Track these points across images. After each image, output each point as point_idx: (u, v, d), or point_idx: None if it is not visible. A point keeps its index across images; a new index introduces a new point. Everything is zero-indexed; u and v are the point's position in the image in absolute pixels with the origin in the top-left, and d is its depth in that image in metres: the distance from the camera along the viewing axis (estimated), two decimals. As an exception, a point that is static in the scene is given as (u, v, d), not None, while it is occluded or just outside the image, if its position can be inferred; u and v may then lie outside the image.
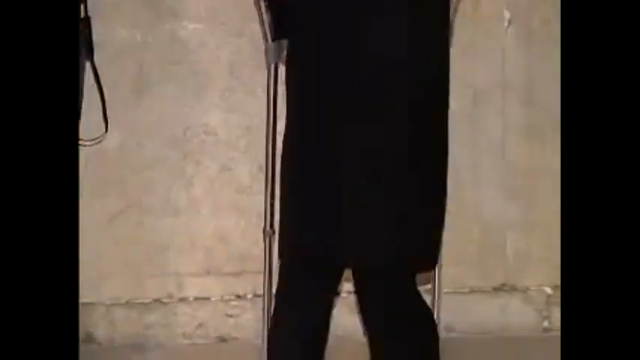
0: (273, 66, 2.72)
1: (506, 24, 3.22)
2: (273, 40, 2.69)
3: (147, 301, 3.21)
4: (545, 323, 3.30)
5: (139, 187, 3.20)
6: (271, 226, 2.71)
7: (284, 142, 2.54)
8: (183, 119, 3.20)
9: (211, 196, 3.22)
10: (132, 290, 3.19)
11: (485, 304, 3.27)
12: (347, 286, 2.85)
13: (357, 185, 2.40)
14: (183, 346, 3.22)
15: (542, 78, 3.20)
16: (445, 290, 2.83)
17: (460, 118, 3.08)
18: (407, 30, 2.43)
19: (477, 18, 3.20)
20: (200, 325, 3.22)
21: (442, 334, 2.60)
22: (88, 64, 2.79)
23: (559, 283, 3.15)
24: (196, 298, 3.23)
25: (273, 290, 2.57)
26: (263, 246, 2.71)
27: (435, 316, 2.63)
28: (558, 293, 3.21)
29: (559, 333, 2.17)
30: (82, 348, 2.68)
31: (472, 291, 3.27)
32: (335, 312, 2.59)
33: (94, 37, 2.78)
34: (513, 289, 3.28)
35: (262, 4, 2.69)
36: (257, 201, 2.88)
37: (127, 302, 3.20)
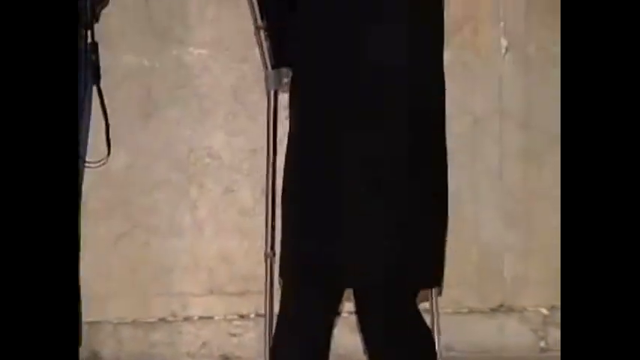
0: (272, 92, 2.75)
1: (503, 51, 3.23)
2: (273, 68, 2.71)
3: (152, 320, 3.21)
4: (542, 343, 3.29)
5: (145, 208, 3.21)
6: (272, 248, 2.73)
7: (287, 151, 2.52)
8: (188, 142, 3.22)
9: (215, 218, 3.24)
10: (137, 309, 3.20)
11: (484, 325, 3.27)
12: (348, 306, 2.88)
13: (357, 193, 2.39)
14: (188, 364, 3.26)
15: (539, 104, 3.22)
16: (444, 310, 2.89)
17: (459, 143, 3.08)
18: (407, 38, 2.43)
19: (475, 46, 3.21)
20: (204, 344, 3.23)
21: (442, 353, 2.63)
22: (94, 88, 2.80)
23: (555, 304, 3.20)
24: (200, 318, 3.23)
25: (275, 310, 2.56)
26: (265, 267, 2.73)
27: (435, 336, 2.61)
28: (554, 314, 3.23)
29: (555, 353, 2.19)
30: (89, 365, 2.74)
31: (471, 311, 3.27)
32: (336, 331, 2.59)
33: (103, 63, 2.79)
34: (511, 310, 3.28)
35: (262, 33, 2.72)
36: (260, 223, 2.88)
37: (132, 321, 3.21)
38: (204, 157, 3.23)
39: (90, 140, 2.83)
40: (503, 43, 3.23)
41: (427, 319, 2.52)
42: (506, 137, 3.24)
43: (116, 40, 2.90)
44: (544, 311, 3.29)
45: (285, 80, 2.66)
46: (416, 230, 2.44)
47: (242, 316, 3.24)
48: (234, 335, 3.24)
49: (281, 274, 2.52)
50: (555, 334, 3.22)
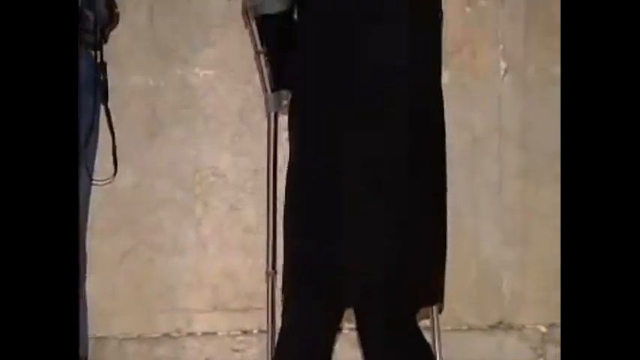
0: (272, 115, 2.77)
1: (502, 73, 3.24)
2: (272, 91, 2.73)
3: (157, 335, 3.22)
4: (540, 360, 3.30)
5: (151, 226, 3.22)
6: (273, 266, 2.75)
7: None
8: (193, 161, 3.23)
9: (219, 236, 3.25)
10: (142, 325, 3.20)
11: (483, 342, 3.28)
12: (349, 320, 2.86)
13: (357, 193, 2.38)
14: (192, 379, 3.25)
15: (537, 124, 3.23)
16: (444, 327, 2.85)
17: (459, 162, 3.10)
18: (407, 38, 2.43)
19: (474, 67, 3.23)
20: (207, 359, 3.23)
21: (442, 369, 2.63)
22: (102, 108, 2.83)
23: (554, 321, 3.22)
24: (204, 333, 3.24)
25: (277, 326, 2.58)
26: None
27: (437, 354, 2.64)
28: (553, 331, 3.24)
29: (554, 370, 2.22)
30: (95, 380, 2.76)
31: (470, 329, 3.28)
32: (337, 347, 2.61)
33: (111, 82, 2.83)
34: (509, 327, 3.28)
35: (262, 58, 2.74)
36: (263, 240, 2.89)
37: (137, 337, 3.21)
38: (209, 176, 3.24)
39: (97, 158, 2.85)
40: (502, 65, 3.24)
41: (427, 336, 2.53)
42: (505, 156, 3.25)
43: (123, 60, 2.92)
44: (542, 329, 3.29)
45: (285, 102, 2.68)
46: (416, 230, 2.43)
47: (245, 332, 3.25)
48: (237, 351, 3.25)
49: (283, 290, 2.52)
50: (554, 352, 3.24)
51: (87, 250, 2.86)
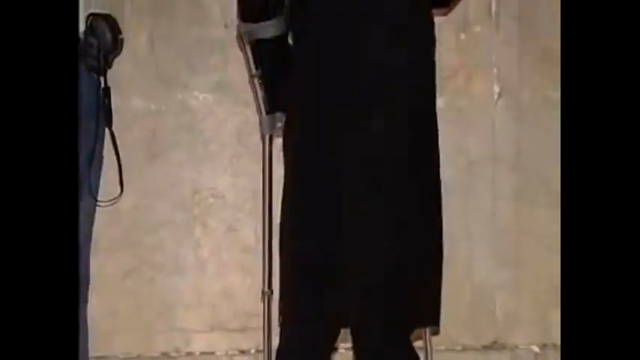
0: (267, 137, 2.78)
1: (496, 97, 3.25)
2: (267, 113, 2.73)
3: (156, 355, 3.23)
4: (534, 381, 3.28)
5: (151, 246, 3.23)
6: (269, 286, 2.75)
7: (286, 152, 2.56)
8: (192, 183, 3.25)
9: (218, 256, 3.26)
10: (142, 344, 3.21)
11: None
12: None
13: (357, 193, 2.39)
14: (190, 398, 3.25)
15: (530, 148, 3.23)
16: (438, 348, 2.90)
17: (454, 185, 3.11)
18: (407, 38, 2.46)
19: (469, 92, 3.24)
20: None
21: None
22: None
23: (546, 342, 3.23)
24: (202, 353, 3.25)
25: (274, 345, 2.59)
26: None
27: None
28: (546, 352, 3.25)
29: (547, 390, 2.22)
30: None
31: (464, 349, 3.28)
32: None
33: (112, 106, 2.78)
34: (503, 347, 3.28)
35: (256, 81, 2.74)
36: (261, 261, 2.87)
37: (137, 356, 3.22)
38: (209, 198, 3.26)
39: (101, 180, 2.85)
40: (496, 89, 3.25)
41: (421, 355, 2.54)
42: (499, 179, 3.25)
43: (125, 84, 2.94)
44: (536, 349, 3.30)
45: (279, 125, 2.69)
46: (416, 231, 2.45)
47: (243, 352, 3.25)
48: (235, 370, 3.26)
49: (280, 313, 2.53)
50: (547, 372, 3.25)
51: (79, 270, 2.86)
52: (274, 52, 2.67)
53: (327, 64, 2.47)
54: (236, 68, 3.22)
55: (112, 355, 3.21)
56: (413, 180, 2.46)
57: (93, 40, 2.65)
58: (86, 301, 2.75)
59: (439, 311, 2.54)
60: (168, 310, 3.24)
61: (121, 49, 2.78)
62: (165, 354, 3.24)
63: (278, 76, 2.68)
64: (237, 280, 3.26)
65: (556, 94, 3.16)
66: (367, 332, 2.46)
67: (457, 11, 3.05)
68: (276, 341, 2.56)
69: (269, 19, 2.61)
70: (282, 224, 2.56)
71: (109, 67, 2.74)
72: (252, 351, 3.25)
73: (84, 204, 2.66)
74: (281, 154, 2.70)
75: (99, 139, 2.74)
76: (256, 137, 3.20)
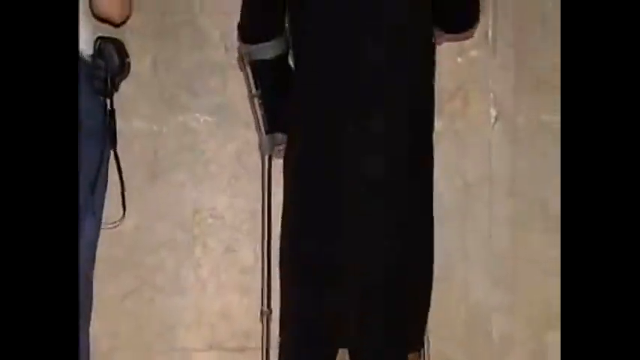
0: (267, 157, 2.81)
1: (492, 120, 3.26)
2: (267, 133, 2.77)
3: None
4: (529, 402, 3.28)
5: (151, 267, 3.25)
6: (268, 306, 2.78)
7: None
8: (193, 203, 3.27)
9: (217, 276, 3.27)
10: None
11: None
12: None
13: (357, 193, 2.40)
14: (189, 417, 3.26)
15: (526, 171, 3.24)
16: None
17: (451, 207, 3.17)
18: (407, 38, 2.46)
19: (466, 115, 3.24)
20: None
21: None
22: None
23: (541, 363, 3.23)
24: None
25: None
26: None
27: None
28: None
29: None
30: (95, 418, 2.77)
31: None
32: None
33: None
34: None
35: (256, 101, 2.79)
36: (259, 281, 2.92)
37: None
38: (208, 218, 3.28)
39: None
40: (493, 113, 3.27)
41: None
42: (495, 202, 3.26)
43: (128, 106, 2.96)
44: (530, 370, 3.30)
45: (279, 147, 2.72)
46: (416, 230, 2.46)
47: (241, 371, 3.25)
48: (233, 390, 3.26)
49: (280, 334, 2.54)
50: (542, 393, 3.25)
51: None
52: (274, 71, 2.70)
53: (327, 64, 2.48)
54: (236, 91, 3.24)
55: (112, 374, 3.22)
56: (413, 180, 2.46)
57: (101, 63, 2.68)
58: (88, 322, 2.76)
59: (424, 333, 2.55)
60: (168, 330, 3.25)
61: (128, 72, 2.80)
62: (165, 373, 3.26)
63: (278, 96, 2.70)
64: (235, 300, 3.27)
65: (551, 119, 3.20)
66: (367, 332, 2.46)
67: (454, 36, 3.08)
68: (274, 360, 2.55)
69: (268, 40, 2.64)
70: (282, 226, 2.57)
71: (116, 89, 2.76)
72: (251, 371, 3.25)
73: (88, 225, 2.68)
74: (280, 175, 2.71)
75: (104, 161, 2.76)
76: (255, 158, 3.21)
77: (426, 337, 2.74)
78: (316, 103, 2.50)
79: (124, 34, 2.93)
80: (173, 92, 3.26)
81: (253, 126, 3.18)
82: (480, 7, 2.64)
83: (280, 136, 2.73)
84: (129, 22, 2.81)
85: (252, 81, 2.80)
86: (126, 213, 2.96)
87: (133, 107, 3.13)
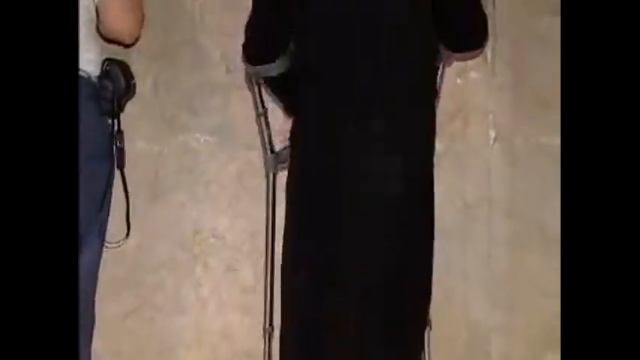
0: (271, 175, 2.83)
1: (491, 142, 3.26)
2: (272, 152, 2.81)
3: None
4: (528, 422, 3.27)
5: (152, 286, 3.25)
6: (270, 324, 2.79)
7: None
8: (193, 223, 3.28)
9: (218, 296, 3.27)
10: None
11: None
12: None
13: (356, 193, 2.40)
14: None
15: (525, 193, 3.24)
16: None
17: (450, 228, 3.17)
18: (407, 38, 2.45)
19: (465, 136, 3.25)
20: None
21: None
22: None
23: (539, 383, 3.23)
24: None
25: None
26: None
27: None
28: None
29: None
30: None
31: None
32: None
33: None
34: None
35: (263, 120, 2.81)
36: (260, 300, 2.95)
37: None
38: (209, 238, 3.29)
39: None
40: (492, 134, 3.27)
41: None
42: (494, 223, 3.27)
43: (130, 127, 2.96)
44: (529, 389, 3.29)
45: (284, 165, 2.73)
46: (416, 231, 2.46)
47: (242, 391, 3.25)
48: (234, 409, 3.26)
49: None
50: (541, 413, 3.25)
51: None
52: (281, 88, 2.72)
53: (327, 64, 2.48)
54: (237, 112, 3.26)
55: (114, 394, 3.22)
56: (413, 180, 2.47)
57: (108, 84, 2.72)
58: (90, 341, 2.78)
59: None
60: (169, 349, 3.25)
61: (134, 94, 2.84)
62: (166, 393, 3.26)
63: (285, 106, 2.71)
64: (236, 319, 3.27)
65: (549, 140, 3.20)
66: (367, 332, 2.45)
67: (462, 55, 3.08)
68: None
69: (273, 61, 2.65)
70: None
71: (122, 110, 2.80)
72: (252, 390, 3.26)
73: (92, 244, 2.70)
74: (283, 194, 2.71)
75: (111, 181, 2.79)
76: (256, 179, 3.24)
77: (426, 357, 2.77)
78: (316, 102, 2.51)
79: (124, 55, 2.97)
80: (174, 112, 3.28)
81: (254, 146, 3.23)
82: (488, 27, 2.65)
83: (284, 154, 2.74)
84: (129, 42, 2.85)
85: (258, 100, 2.83)
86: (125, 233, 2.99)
87: (134, 127, 3.14)
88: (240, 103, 3.25)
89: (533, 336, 3.23)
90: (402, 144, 2.46)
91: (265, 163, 2.86)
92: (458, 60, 3.03)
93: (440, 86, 2.79)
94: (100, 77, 2.75)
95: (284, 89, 2.72)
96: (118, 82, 2.74)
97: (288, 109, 2.76)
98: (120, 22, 2.67)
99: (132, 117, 3.08)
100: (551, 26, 3.14)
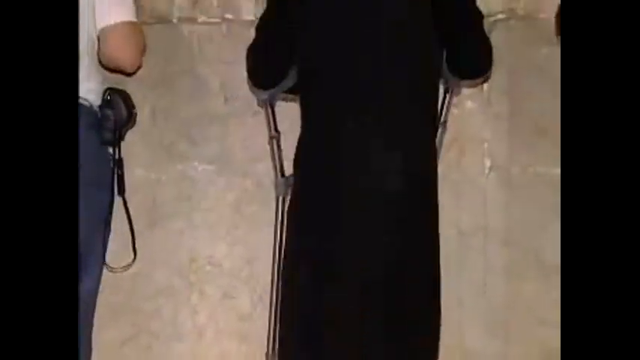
0: (280, 198, 2.81)
1: (487, 171, 3.27)
2: (282, 176, 2.80)
3: None
4: None
5: (149, 313, 3.26)
6: (273, 349, 2.77)
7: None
8: (190, 251, 3.29)
9: (215, 323, 3.28)
10: None
11: None
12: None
13: (356, 189, 2.39)
14: None
15: (520, 222, 3.24)
16: None
17: (445, 257, 3.00)
18: (407, 34, 2.45)
19: (461, 165, 3.25)
20: None
21: None
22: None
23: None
24: None
25: None
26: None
27: None
28: None
29: None
30: None
31: None
32: None
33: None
34: None
35: (274, 143, 2.81)
36: (257, 328, 2.96)
37: None
38: (206, 265, 3.29)
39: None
40: (487, 163, 3.27)
41: None
42: (490, 251, 3.26)
43: (128, 155, 2.99)
44: (526, 419, 3.28)
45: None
46: (416, 226, 2.45)
47: (239, 419, 3.24)
48: None
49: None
50: None
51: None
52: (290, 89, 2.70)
53: (327, 59, 2.48)
54: (235, 141, 3.28)
55: (110, 422, 3.21)
56: (413, 176, 2.47)
57: (109, 113, 2.74)
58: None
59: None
60: (166, 377, 3.25)
61: (134, 123, 2.85)
62: (162, 421, 3.25)
63: None
64: (234, 347, 3.27)
65: (545, 170, 3.21)
66: (367, 328, 2.45)
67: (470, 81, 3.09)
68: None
69: (285, 77, 2.64)
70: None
71: (123, 139, 2.83)
72: (249, 418, 3.25)
73: (91, 271, 2.71)
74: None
75: (111, 209, 2.80)
76: (253, 207, 3.26)
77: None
78: (316, 98, 2.51)
79: (125, 84, 2.99)
80: (172, 141, 3.29)
81: (251, 174, 3.26)
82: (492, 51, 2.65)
83: (293, 179, 2.73)
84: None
85: (271, 122, 2.82)
86: (124, 259, 3.01)
87: (132, 155, 3.15)
88: (238, 132, 3.27)
89: (528, 363, 3.22)
90: (402, 139, 2.45)
91: (275, 187, 2.86)
92: (466, 86, 3.07)
93: (447, 113, 2.80)
94: (101, 106, 2.77)
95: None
96: (119, 111, 2.76)
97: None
98: (121, 51, 2.69)
99: (130, 144, 3.09)
100: (549, 56, 3.15)
